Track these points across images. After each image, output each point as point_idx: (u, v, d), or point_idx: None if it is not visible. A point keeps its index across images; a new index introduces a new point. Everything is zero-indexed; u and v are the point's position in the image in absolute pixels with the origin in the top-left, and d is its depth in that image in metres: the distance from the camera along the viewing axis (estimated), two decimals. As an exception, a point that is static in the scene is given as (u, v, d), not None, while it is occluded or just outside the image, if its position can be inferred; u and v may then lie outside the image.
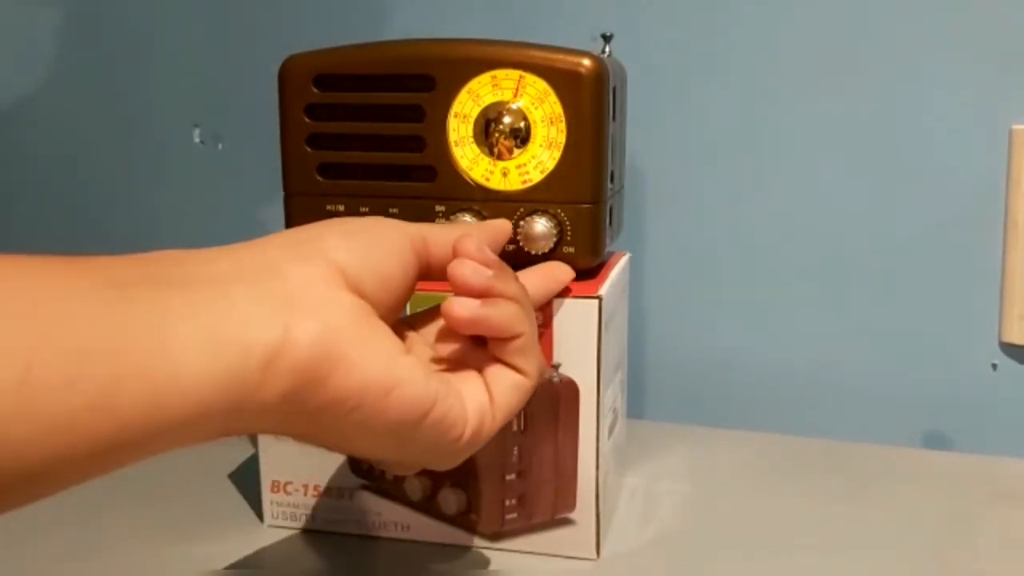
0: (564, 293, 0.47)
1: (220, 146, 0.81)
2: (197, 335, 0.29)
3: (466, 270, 0.37)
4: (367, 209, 0.49)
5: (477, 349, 0.38)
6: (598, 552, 0.50)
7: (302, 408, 0.32)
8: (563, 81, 0.46)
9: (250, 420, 0.31)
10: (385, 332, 0.35)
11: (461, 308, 0.36)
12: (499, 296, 0.37)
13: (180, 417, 0.29)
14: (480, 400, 0.37)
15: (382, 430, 0.34)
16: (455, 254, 0.37)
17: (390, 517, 0.51)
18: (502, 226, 0.45)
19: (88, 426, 0.27)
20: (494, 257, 0.38)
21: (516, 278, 0.39)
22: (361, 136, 0.49)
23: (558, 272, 0.47)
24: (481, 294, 0.37)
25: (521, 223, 0.47)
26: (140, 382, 0.28)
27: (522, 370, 0.38)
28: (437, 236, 0.39)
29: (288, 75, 0.49)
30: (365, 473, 0.51)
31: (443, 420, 0.35)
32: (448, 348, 0.39)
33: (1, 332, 0.25)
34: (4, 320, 0.26)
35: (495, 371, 0.38)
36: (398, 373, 0.34)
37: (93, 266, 0.30)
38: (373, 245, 0.36)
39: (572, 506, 0.49)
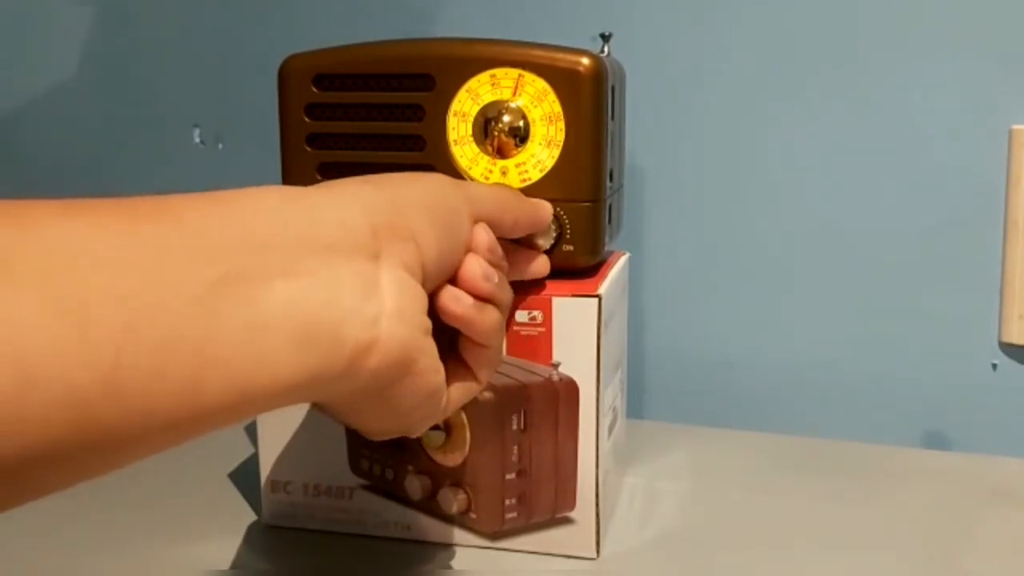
0: (563, 292, 0.47)
1: (220, 146, 0.81)
2: (292, 330, 0.29)
3: (478, 272, 0.37)
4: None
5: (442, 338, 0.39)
6: (598, 551, 0.50)
7: (364, 394, 0.33)
8: (562, 80, 0.46)
9: (315, 396, 0.33)
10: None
11: (457, 304, 0.37)
12: (492, 303, 0.38)
13: (260, 400, 0.29)
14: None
15: (402, 412, 0.36)
16: (471, 244, 0.38)
17: (390, 517, 0.51)
18: (544, 214, 0.46)
19: (171, 411, 0.27)
20: (501, 258, 0.39)
21: (508, 285, 0.40)
22: (361, 135, 0.49)
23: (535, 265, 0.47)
24: (481, 297, 0.37)
25: (521, 222, 0.47)
26: (227, 372, 0.28)
27: (478, 378, 0.40)
28: (491, 218, 0.40)
29: (288, 75, 0.49)
30: (365, 473, 0.51)
31: (438, 408, 0.37)
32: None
33: (95, 316, 0.25)
34: (98, 302, 0.25)
35: (454, 369, 0.39)
36: (441, 378, 0.36)
37: (187, 225, 0.28)
38: (451, 242, 0.37)
39: (572, 505, 0.49)
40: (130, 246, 0.26)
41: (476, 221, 0.39)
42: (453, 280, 0.38)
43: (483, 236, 0.38)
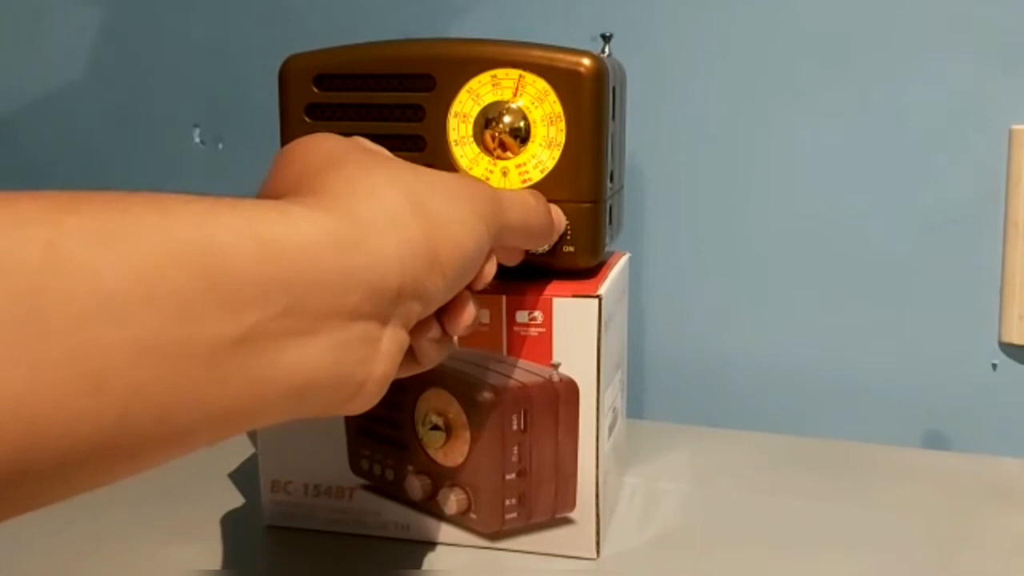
0: (564, 293, 0.47)
1: (220, 146, 0.81)
2: (288, 390, 0.30)
3: (467, 322, 0.38)
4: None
5: None
6: (598, 551, 0.50)
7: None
8: (563, 80, 0.46)
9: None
10: None
11: (432, 344, 0.38)
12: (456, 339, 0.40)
13: (237, 432, 0.30)
14: None
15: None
16: (475, 281, 0.38)
17: (390, 517, 0.51)
18: (555, 231, 0.46)
19: (162, 452, 0.28)
20: (488, 283, 0.40)
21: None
22: (361, 135, 0.49)
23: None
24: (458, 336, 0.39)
25: (521, 223, 0.47)
26: (221, 423, 0.29)
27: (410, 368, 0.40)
28: (511, 240, 0.42)
29: (288, 75, 0.49)
30: (365, 473, 0.51)
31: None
32: None
33: (112, 373, 0.25)
34: (118, 358, 0.25)
35: None
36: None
37: (222, 267, 0.28)
38: (458, 288, 0.37)
39: (572, 505, 0.49)
40: (160, 294, 0.26)
41: (492, 250, 0.39)
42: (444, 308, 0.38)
43: (489, 274, 0.39)
